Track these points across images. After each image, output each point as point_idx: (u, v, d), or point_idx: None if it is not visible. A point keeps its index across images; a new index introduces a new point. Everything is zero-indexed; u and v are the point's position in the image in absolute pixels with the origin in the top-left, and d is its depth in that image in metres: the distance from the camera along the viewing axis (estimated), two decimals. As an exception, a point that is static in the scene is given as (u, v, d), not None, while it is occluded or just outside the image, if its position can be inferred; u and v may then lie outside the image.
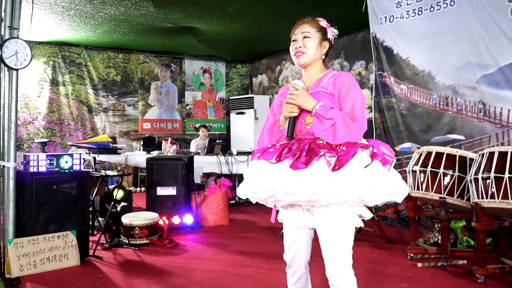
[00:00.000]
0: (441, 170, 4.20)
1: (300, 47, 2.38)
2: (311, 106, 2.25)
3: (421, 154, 4.46)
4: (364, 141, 2.25)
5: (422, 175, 4.35)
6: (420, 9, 5.55)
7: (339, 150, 2.12)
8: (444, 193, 4.17)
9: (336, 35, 2.47)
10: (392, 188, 2.14)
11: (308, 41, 2.38)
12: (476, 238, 4.04)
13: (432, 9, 5.40)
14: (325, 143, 2.19)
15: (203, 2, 6.56)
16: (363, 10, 6.27)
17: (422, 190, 4.31)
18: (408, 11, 5.70)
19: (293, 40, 2.43)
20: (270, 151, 2.26)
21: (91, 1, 6.36)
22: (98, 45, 9.42)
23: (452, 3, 5.17)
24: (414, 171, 4.42)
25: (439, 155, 4.28)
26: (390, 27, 5.97)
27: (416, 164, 4.43)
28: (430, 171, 4.27)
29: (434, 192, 4.20)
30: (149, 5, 6.57)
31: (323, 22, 2.45)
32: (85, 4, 6.51)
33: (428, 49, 5.51)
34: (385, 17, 6.03)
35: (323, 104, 2.24)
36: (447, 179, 4.20)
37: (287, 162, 2.15)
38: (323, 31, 2.41)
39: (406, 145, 5.79)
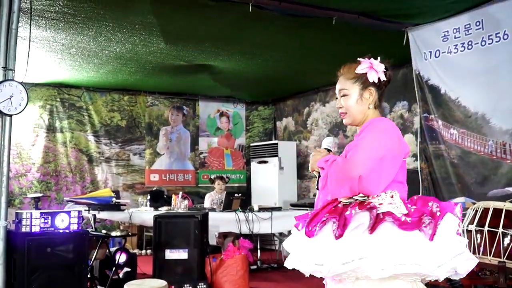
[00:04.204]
0: (500, 229, 4.15)
1: (340, 107, 2.50)
2: (315, 164, 2.46)
3: (476, 211, 4.43)
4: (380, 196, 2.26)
5: (478, 235, 4.31)
6: (470, 43, 5.63)
7: (346, 214, 2.20)
8: (503, 257, 4.11)
9: (385, 70, 2.44)
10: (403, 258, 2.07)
11: (346, 100, 2.47)
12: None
13: (483, 43, 5.48)
14: (340, 205, 2.26)
15: (221, 37, 6.76)
16: (404, 44, 6.37)
17: (479, 253, 4.26)
18: (456, 45, 5.78)
19: (337, 98, 2.55)
20: (308, 214, 2.38)
21: (95, 38, 6.62)
22: (101, 86, 9.69)
23: (505, 37, 5.25)
24: (469, 231, 4.39)
25: (497, 212, 4.25)
26: (436, 63, 6.05)
27: (471, 222, 4.40)
28: (488, 231, 4.23)
29: (493, 256, 4.15)
30: (159, 42, 6.79)
31: (361, 67, 2.44)
32: (88, 42, 6.78)
33: (481, 88, 5.55)
34: (430, 52, 6.11)
35: (324, 157, 2.40)
36: (507, 240, 4.15)
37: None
38: (362, 79, 2.44)
39: (459, 199, 5.73)
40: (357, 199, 2.24)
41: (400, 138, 2.36)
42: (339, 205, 2.27)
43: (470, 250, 4.34)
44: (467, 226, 4.42)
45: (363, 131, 2.37)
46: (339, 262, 2.10)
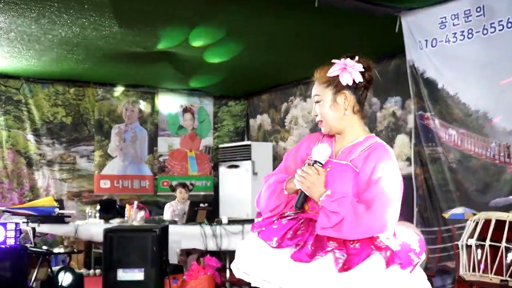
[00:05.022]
0: (503, 244, 4.30)
1: (316, 115, 2.63)
2: (317, 195, 2.46)
3: (477, 223, 4.57)
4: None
5: (479, 251, 4.44)
6: (470, 31, 5.76)
7: (351, 246, 2.36)
8: (506, 275, 4.25)
9: (363, 70, 2.56)
10: None
11: (320, 107, 2.60)
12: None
13: (485, 31, 5.61)
14: None
15: (185, 21, 6.80)
16: (396, 31, 6.48)
17: (479, 271, 4.39)
18: (455, 33, 5.91)
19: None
20: (273, 228, 2.51)
21: (37, 20, 6.60)
22: (44, 76, 9.63)
23: (509, 25, 5.37)
24: (469, 246, 4.52)
25: (500, 224, 4.39)
26: (433, 53, 6.17)
27: (471, 236, 4.53)
28: (490, 245, 4.37)
29: (494, 274, 4.29)
30: (112, 24, 6.80)
31: (333, 69, 2.56)
32: (29, 25, 6.76)
33: (483, 83, 5.68)
34: (426, 40, 6.24)
35: (331, 194, 2.43)
36: (510, 255, 4.30)
37: (289, 251, 2.42)
38: (334, 82, 2.56)
39: (458, 210, 5.86)
40: None
41: None
42: None
43: (469, 267, 4.48)
44: (467, 240, 4.55)
45: (375, 165, 2.45)
46: None
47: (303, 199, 2.53)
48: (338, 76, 2.54)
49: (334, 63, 2.57)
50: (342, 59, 2.57)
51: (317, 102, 2.60)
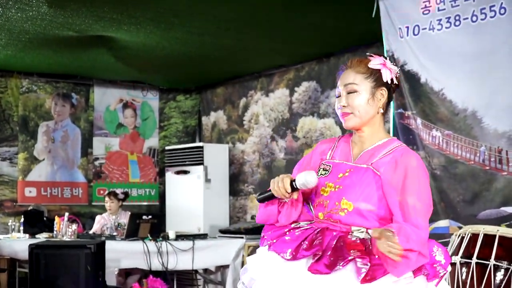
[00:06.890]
0: (492, 261, 4.40)
1: (345, 106, 2.71)
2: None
3: (463, 238, 4.66)
4: None
5: (464, 269, 4.54)
6: (457, 17, 5.82)
7: (376, 256, 2.46)
8: (495, 297, 4.37)
9: (398, 73, 2.77)
10: None
11: (354, 97, 2.70)
12: None
13: (474, 18, 5.68)
14: (358, 241, 2.53)
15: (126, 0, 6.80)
16: (373, 16, 6.54)
17: (464, 292, 4.50)
18: (441, 19, 5.98)
19: (337, 96, 2.76)
20: (286, 239, 2.64)
21: None
22: (-44, 64, 9.56)
23: (502, 11, 5.40)
24: (453, 264, 4.59)
25: (488, 239, 4.48)
26: (415, 42, 6.23)
27: (455, 253, 4.62)
28: (476, 263, 4.47)
29: (482, 296, 4.40)
30: (40, 4, 6.75)
31: (375, 62, 2.72)
32: None
33: (472, 77, 5.73)
34: (407, 27, 6.29)
35: (398, 230, 2.46)
36: (499, 275, 4.39)
37: (305, 263, 2.54)
38: (375, 75, 2.71)
39: (442, 223, 5.95)
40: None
41: None
42: (354, 238, 2.56)
43: (454, 288, 4.58)
44: (451, 257, 4.64)
45: (407, 172, 2.65)
46: None
47: (268, 198, 2.70)
48: (379, 70, 2.70)
49: (372, 56, 2.73)
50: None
51: (351, 92, 2.70)
